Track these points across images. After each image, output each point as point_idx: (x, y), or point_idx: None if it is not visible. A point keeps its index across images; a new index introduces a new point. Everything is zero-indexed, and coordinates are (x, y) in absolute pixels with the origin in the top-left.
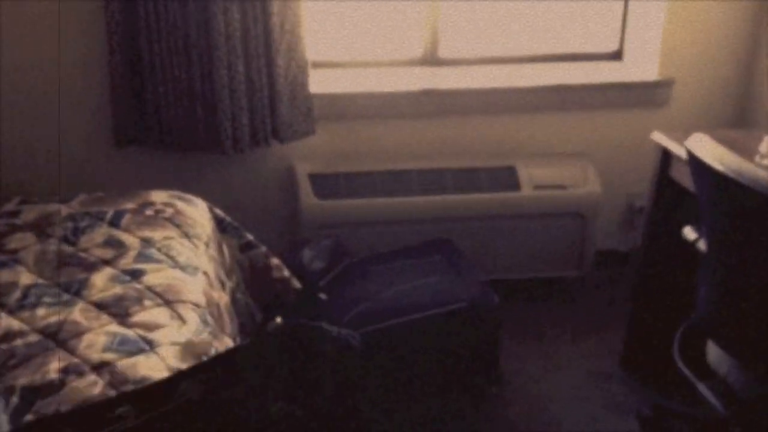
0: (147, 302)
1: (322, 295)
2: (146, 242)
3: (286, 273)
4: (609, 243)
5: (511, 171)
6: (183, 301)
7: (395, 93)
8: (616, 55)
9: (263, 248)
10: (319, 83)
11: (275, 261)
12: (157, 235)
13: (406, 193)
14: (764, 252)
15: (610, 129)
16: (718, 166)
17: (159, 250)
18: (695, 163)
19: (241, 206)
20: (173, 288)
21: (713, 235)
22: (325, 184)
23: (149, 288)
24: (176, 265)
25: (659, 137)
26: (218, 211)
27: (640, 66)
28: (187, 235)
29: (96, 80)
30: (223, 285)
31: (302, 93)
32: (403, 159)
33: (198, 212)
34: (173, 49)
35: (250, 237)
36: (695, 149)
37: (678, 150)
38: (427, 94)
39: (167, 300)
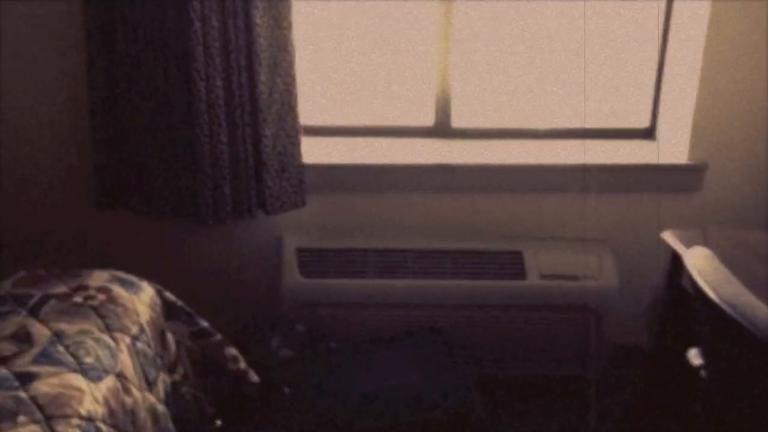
0: (22, 418)
1: (286, 389)
2: (57, 337)
3: (242, 365)
4: (628, 338)
5: (517, 256)
6: (66, 416)
7: (398, 166)
8: (648, 133)
9: (218, 336)
10: (313, 152)
11: (231, 351)
12: (72, 328)
13: (399, 276)
14: (761, 396)
15: (632, 214)
16: (713, 294)
17: (67, 348)
18: (693, 283)
19: (222, 278)
20: (60, 399)
21: (711, 367)
22: (313, 260)
23: (33, 398)
24: (79, 367)
25: (670, 237)
26: (169, 295)
27: (672, 147)
28: (109, 329)
29: (77, 140)
30: (151, 384)
31: (292, 164)
32: (399, 237)
33: (137, 299)
34: (155, 112)
35: (203, 324)
36: (693, 268)
37: (683, 250)
38: (434, 169)
39: (47, 415)
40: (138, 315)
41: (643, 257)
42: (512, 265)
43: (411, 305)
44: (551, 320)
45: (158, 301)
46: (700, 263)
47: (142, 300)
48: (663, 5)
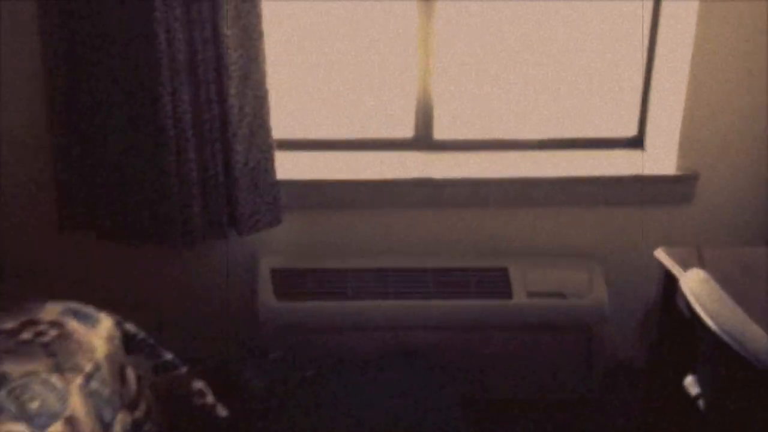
0: None
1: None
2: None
3: (210, 399)
4: (620, 355)
5: (502, 274)
6: None
7: (377, 181)
8: (636, 142)
9: (183, 369)
10: (288, 167)
11: (197, 385)
12: (18, 370)
13: (380, 296)
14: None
15: (621, 227)
16: (711, 323)
17: (10, 392)
18: (689, 308)
19: (195, 302)
20: None
21: (708, 396)
22: (289, 281)
23: None
24: (23, 414)
25: (663, 256)
26: (129, 327)
27: (661, 156)
28: (59, 368)
29: (38, 156)
30: (108, 425)
31: (266, 180)
32: (380, 256)
33: (94, 333)
34: (119, 128)
35: (168, 356)
36: (690, 293)
37: (678, 271)
38: (416, 183)
39: None
40: (93, 351)
41: (633, 272)
42: (498, 283)
43: (393, 327)
44: (539, 340)
45: (117, 333)
46: (698, 288)
47: (99, 334)
48: (649, 8)
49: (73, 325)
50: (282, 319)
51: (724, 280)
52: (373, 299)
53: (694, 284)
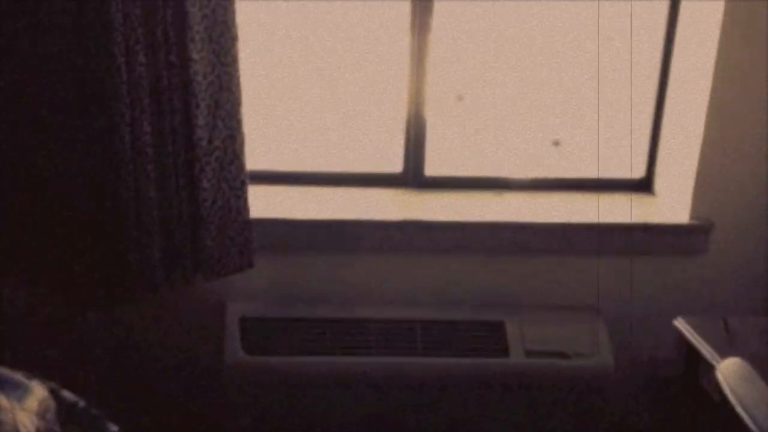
0: None
1: None
2: None
3: None
4: (626, 419)
5: (498, 328)
6: None
7: (361, 221)
8: (644, 185)
9: None
10: (262, 203)
11: None
12: None
13: (362, 352)
14: None
15: (628, 279)
16: (752, 426)
17: None
18: (723, 398)
19: (154, 356)
20: None
21: None
22: (260, 332)
23: None
24: None
25: (685, 327)
26: (67, 395)
27: (673, 202)
28: None
29: None
30: None
31: (237, 220)
32: (362, 306)
33: (19, 407)
34: (68, 161)
35: (113, 428)
36: (729, 389)
37: (709, 352)
38: (403, 225)
39: None
40: (19, 429)
41: (641, 328)
42: (493, 338)
43: (375, 386)
44: (538, 402)
45: (52, 404)
46: (738, 386)
47: (27, 407)
48: (662, 39)
49: None
50: (251, 376)
51: (761, 365)
52: (353, 354)
53: (734, 380)
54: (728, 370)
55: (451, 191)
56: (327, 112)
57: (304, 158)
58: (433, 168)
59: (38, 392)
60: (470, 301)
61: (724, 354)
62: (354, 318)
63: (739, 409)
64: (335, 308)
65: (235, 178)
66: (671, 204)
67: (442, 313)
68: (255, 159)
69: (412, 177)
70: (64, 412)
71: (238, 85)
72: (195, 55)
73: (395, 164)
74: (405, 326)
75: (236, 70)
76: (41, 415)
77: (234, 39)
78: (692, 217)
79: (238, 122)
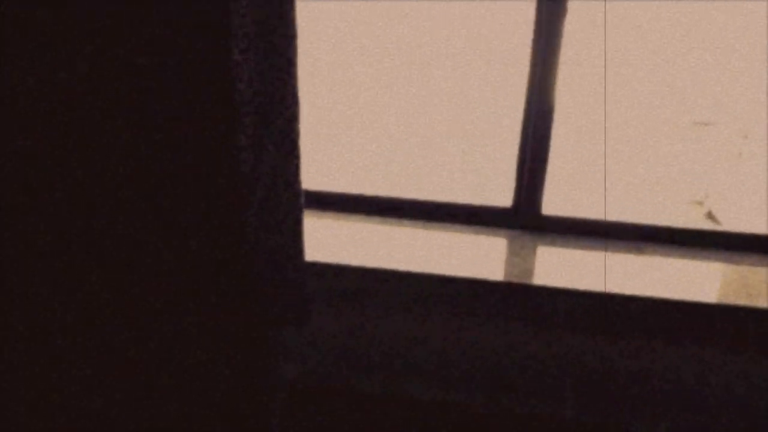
0: None
1: None
2: None
3: None
4: None
5: None
6: None
7: (448, 278)
8: None
9: None
10: (326, 242)
11: None
12: None
13: None
14: None
15: None
16: None
17: None
18: None
19: None
20: None
21: None
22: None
23: None
24: None
25: None
26: None
27: None
28: None
29: None
30: None
31: (287, 264)
32: (445, 386)
33: None
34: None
35: None
36: None
37: None
38: (511, 289)
39: None
40: None
41: None
42: None
43: None
44: None
45: None
46: None
47: None
48: None
49: None
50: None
51: None
52: None
53: None
54: None
55: (575, 239)
56: (414, 132)
57: (387, 183)
58: (551, 205)
59: None
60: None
61: None
62: (431, 399)
63: None
64: (407, 383)
65: (287, 213)
66: None
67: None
68: (314, 180)
69: (525, 215)
70: None
71: (294, 95)
72: (237, 56)
73: (504, 197)
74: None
75: (292, 76)
76: None
77: (291, 37)
78: None
79: (293, 143)
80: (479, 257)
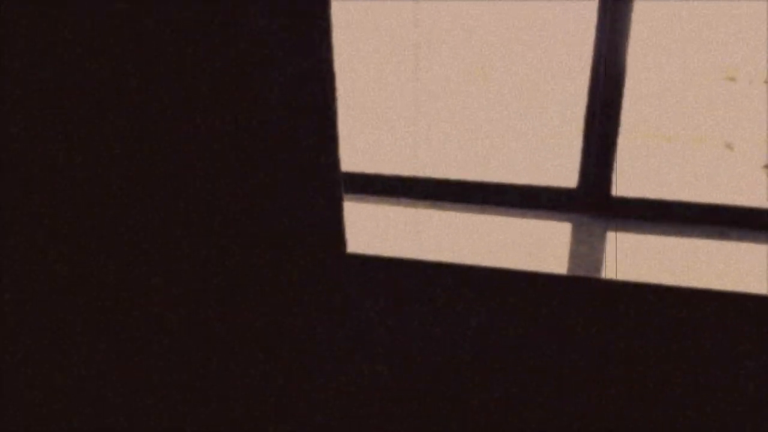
0: None
1: None
2: None
3: None
4: None
5: None
6: None
7: (509, 271)
8: None
9: None
10: (367, 229)
11: None
12: None
13: None
14: None
15: None
16: None
17: None
18: None
19: None
20: None
21: None
22: None
23: None
24: None
25: None
26: None
27: None
28: None
29: None
30: None
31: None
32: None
33: None
34: None
35: None
36: None
37: None
38: (578, 282)
39: None
40: None
41: None
42: None
43: None
44: None
45: None
46: None
47: None
48: None
49: None
50: None
51: None
52: None
53: None
54: None
55: (651, 224)
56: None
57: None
58: (624, 186)
59: None
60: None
61: None
62: None
63: None
64: None
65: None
66: None
67: None
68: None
69: (592, 197)
70: None
71: (331, 83)
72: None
73: (568, 176)
74: None
75: (327, 64)
76: None
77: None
78: None
79: (331, 137)
80: (539, 246)
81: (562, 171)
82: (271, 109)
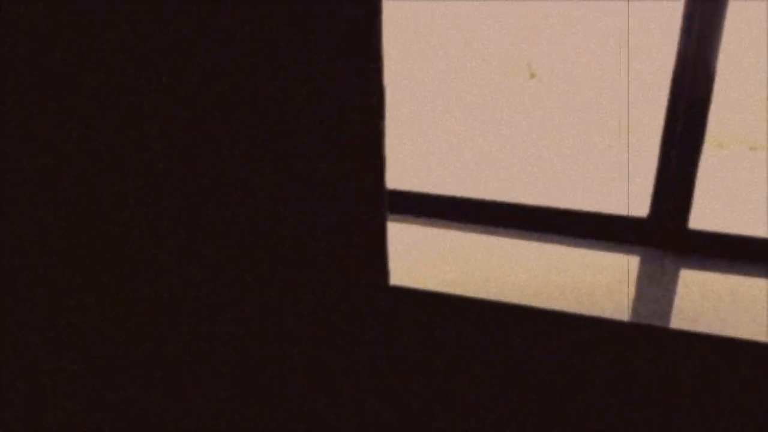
0: None
1: None
2: None
3: None
4: None
5: None
6: None
7: (561, 315)
8: None
9: None
10: (412, 255)
11: None
12: None
13: None
14: None
15: None
16: None
17: None
18: None
19: None
20: None
21: None
22: None
23: None
24: None
25: None
26: None
27: None
28: None
29: None
30: None
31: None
32: None
33: None
34: None
35: None
36: None
37: None
38: (652, 332)
39: None
40: None
41: None
42: None
43: None
44: None
45: None
46: None
47: None
48: None
49: None
50: None
51: None
52: None
53: None
54: None
55: (731, 262)
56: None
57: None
58: (699, 218)
59: None
60: None
61: None
62: None
63: None
64: None
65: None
66: None
67: None
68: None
69: (665, 228)
70: None
71: (380, 91)
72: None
73: (639, 205)
74: None
75: (376, 70)
76: None
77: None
78: None
79: (378, 150)
80: (599, 284)
81: (629, 198)
82: (311, 124)
